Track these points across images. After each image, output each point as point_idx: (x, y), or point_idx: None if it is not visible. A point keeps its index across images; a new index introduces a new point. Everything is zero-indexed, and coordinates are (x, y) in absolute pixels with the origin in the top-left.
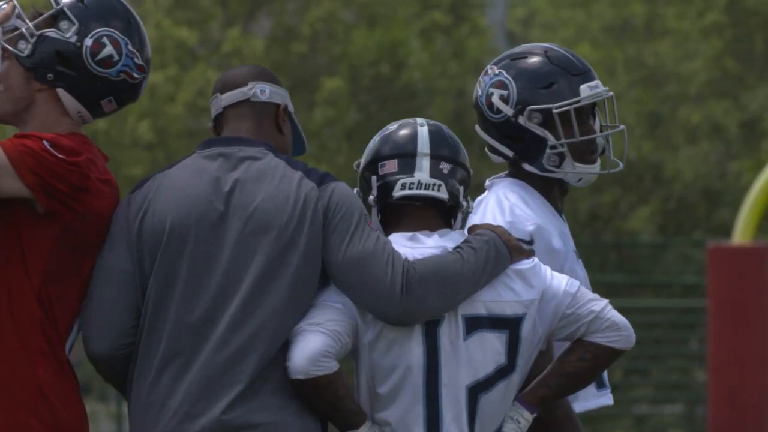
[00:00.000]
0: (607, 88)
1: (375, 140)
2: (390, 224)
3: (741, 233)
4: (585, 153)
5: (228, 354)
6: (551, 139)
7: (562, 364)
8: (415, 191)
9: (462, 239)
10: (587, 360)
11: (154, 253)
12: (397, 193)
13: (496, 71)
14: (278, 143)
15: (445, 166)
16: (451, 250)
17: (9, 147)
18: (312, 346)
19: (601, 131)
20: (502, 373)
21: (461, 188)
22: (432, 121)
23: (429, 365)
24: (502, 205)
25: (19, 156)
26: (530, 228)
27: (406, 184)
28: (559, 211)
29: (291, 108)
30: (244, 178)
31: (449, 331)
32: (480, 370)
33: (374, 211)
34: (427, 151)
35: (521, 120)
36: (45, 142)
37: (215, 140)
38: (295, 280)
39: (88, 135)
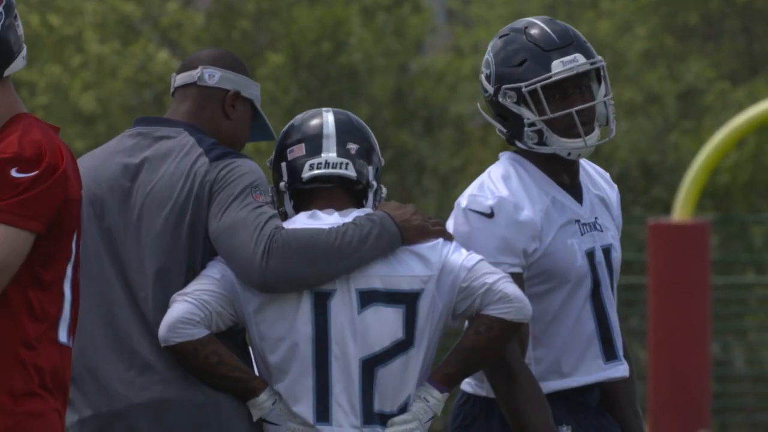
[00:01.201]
0: (594, 59)
1: (282, 131)
2: (302, 209)
3: (681, 210)
4: (568, 128)
5: (138, 333)
6: (527, 117)
7: (461, 339)
8: (322, 171)
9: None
10: (482, 333)
11: None
12: (305, 174)
13: (488, 50)
14: (224, 129)
15: (352, 147)
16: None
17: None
18: (172, 315)
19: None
20: (400, 347)
21: (370, 168)
22: (339, 110)
23: (318, 337)
24: (480, 179)
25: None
26: (489, 202)
27: (313, 164)
28: (564, 183)
29: (252, 95)
30: (152, 156)
31: (341, 304)
32: (375, 343)
33: (286, 197)
34: (332, 132)
35: (500, 99)
36: (11, 171)
37: (142, 119)
38: (187, 256)
39: (30, 109)
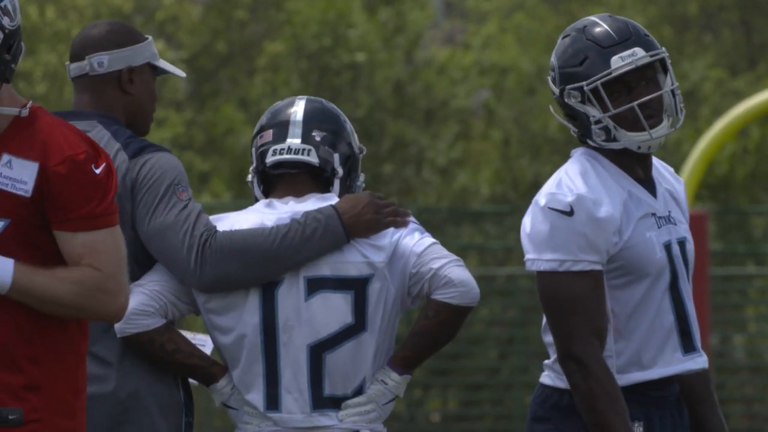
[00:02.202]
0: (654, 51)
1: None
2: (268, 193)
3: None
4: (634, 121)
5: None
6: (592, 115)
7: (414, 323)
8: (284, 156)
9: (321, 205)
10: (430, 318)
11: None
12: (269, 159)
13: (553, 53)
14: (127, 104)
15: (317, 134)
16: (289, 220)
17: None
18: (130, 304)
19: (673, 91)
20: (349, 332)
21: (336, 155)
22: (314, 98)
23: (266, 326)
24: (557, 177)
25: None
26: (568, 200)
27: (276, 150)
28: (638, 178)
29: (145, 58)
30: None
31: (288, 292)
32: (322, 329)
33: (255, 182)
34: (300, 119)
35: (566, 99)
36: (92, 168)
37: (56, 114)
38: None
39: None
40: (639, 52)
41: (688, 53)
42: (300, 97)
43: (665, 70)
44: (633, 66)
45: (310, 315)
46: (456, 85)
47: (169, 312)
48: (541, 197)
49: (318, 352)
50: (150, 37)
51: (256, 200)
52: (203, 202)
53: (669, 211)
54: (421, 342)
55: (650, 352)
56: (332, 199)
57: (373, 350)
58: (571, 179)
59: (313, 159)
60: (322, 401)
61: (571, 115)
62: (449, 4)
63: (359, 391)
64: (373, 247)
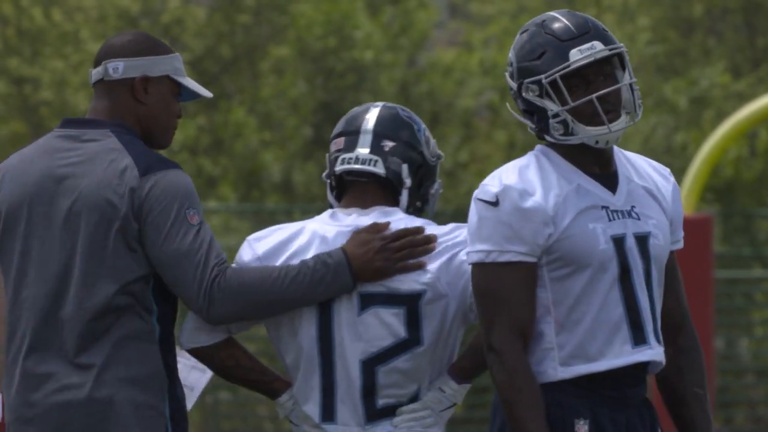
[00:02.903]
0: (613, 45)
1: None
2: (341, 198)
3: (684, 204)
4: (593, 116)
5: (73, 336)
6: (549, 109)
7: (474, 336)
8: (351, 166)
9: (383, 219)
10: None
11: None
12: (337, 167)
13: (511, 48)
14: (142, 114)
15: (387, 144)
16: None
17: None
18: (188, 321)
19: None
20: (403, 346)
21: (405, 165)
22: (390, 104)
23: (322, 339)
24: (497, 170)
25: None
26: (495, 190)
27: (345, 159)
28: (593, 173)
29: (164, 71)
30: (78, 161)
31: (343, 307)
32: (374, 344)
33: (328, 186)
34: (371, 128)
35: (524, 94)
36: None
37: (69, 121)
38: (114, 263)
39: (33, 104)
40: (598, 45)
41: (693, 56)
42: (376, 103)
43: (623, 67)
44: (592, 59)
45: (363, 330)
46: (461, 86)
47: (231, 326)
48: (477, 189)
49: (370, 366)
50: (177, 54)
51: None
52: (209, 206)
53: (632, 206)
54: (479, 355)
55: (596, 344)
56: (395, 214)
57: (429, 363)
58: (506, 172)
59: (380, 170)
60: (376, 413)
61: (529, 110)
62: (454, 6)
63: (415, 398)
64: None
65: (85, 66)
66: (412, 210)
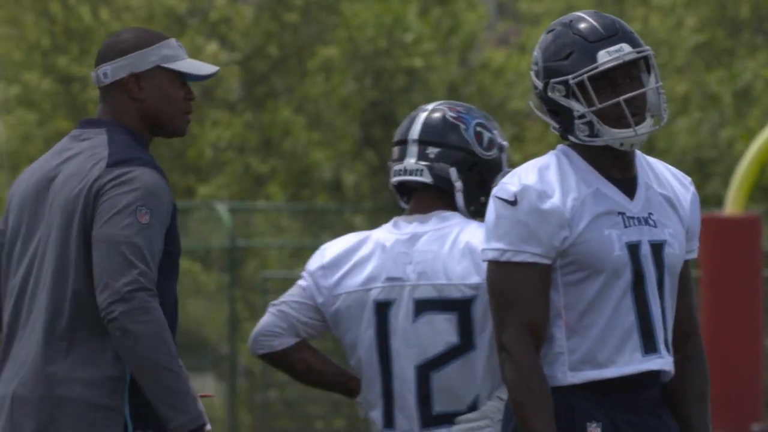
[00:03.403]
0: (641, 48)
1: None
2: (409, 202)
3: (733, 203)
4: (618, 118)
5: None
6: (576, 110)
7: None
8: (402, 177)
9: (441, 226)
10: None
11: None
12: (392, 179)
13: (536, 47)
14: (142, 110)
15: (432, 150)
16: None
17: None
18: (256, 328)
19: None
20: (456, 351)
21: (452, 169)
22: (438, 106)
23: (380, 345)
24: (517, 168)
25: None
26: (514, 189)
27: (396, 170)
28: (613, 177)
29: (153, 62)
30: (69, 157)
31: (398, 313)
32: (428, 349)
33: (396, 192)
34: (416, 137)
35: (549, 93)
36: None
37: (81, 122)
38: (77, 258)
39: (80, 103)
40: (626, 47)
41: (740, 55)
42: (426, 107)
43: (649, 70)
44: (620, 61)
45: (417, 336)
46: (512, 87)
47: (301, 330)
48: (496, 186)
49: (425, 371)
50: (167, 40)
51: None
52: (258, 205)
53: (649, 213)
54: None
55: (606, 351)
56: (452, 219)
57: (483, 368)
58: (525, 171)
59: (426, 178)
60: (431, 419)
61: (554, 110)
62: (501, 5)
63: (473, 407)
64: (475, 267)
65: None
66: (473, 209)
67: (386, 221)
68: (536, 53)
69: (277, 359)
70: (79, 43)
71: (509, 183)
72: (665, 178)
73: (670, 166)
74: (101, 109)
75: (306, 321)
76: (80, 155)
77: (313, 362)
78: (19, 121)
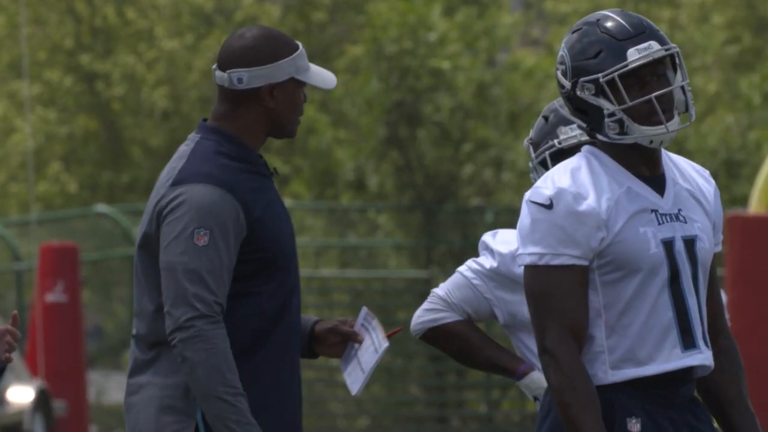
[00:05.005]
0: (669, 46)
1: None
2: None
3: (758, 203)
4: (649, 115)
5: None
6: (606, 108)
7: None
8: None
9: None
10: None
11: None
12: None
13: (561, 46)
14: (273, 117)
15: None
16: None
17: None
18: (423, 306)
19: (683, 87)
20: None
21: (530, 149)
22: (547, 109)
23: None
24: (548, 171)
25: None
26: (549, 193)
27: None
28: (642, 175)
29: (288, 73)
30: (170, 162)
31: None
32: None
33: None
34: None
35: (578, 92)
36: None
37: (200, 122)
38: (152, 264)
39: (104, 100)
40: (654, 45)
41: (767, 54)
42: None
43: (674, 68)
44: (650, 58)
45: None
46: (541, 89)
47: (471, 314)
48: (529, 191)
49: None
50: (299, 50)
51: None
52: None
53: (679, 210)
54: None
55: (646, 348)
56: None
57: None
58: (558, 173)
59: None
60: None
61: (581, 109)
62: (527, 3)
63: None
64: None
65: (160, 63)
66: None
67: (410, 220)
68: (562, 53)
69: (432, 338)
70: (104, 42)
71: (543, 187)
72: (688, 174)
73: (689, 161)
74: (221, 109)
75: (464, 307)
76: (170, 164)
77: (469, 346)
78: (41, 119)
